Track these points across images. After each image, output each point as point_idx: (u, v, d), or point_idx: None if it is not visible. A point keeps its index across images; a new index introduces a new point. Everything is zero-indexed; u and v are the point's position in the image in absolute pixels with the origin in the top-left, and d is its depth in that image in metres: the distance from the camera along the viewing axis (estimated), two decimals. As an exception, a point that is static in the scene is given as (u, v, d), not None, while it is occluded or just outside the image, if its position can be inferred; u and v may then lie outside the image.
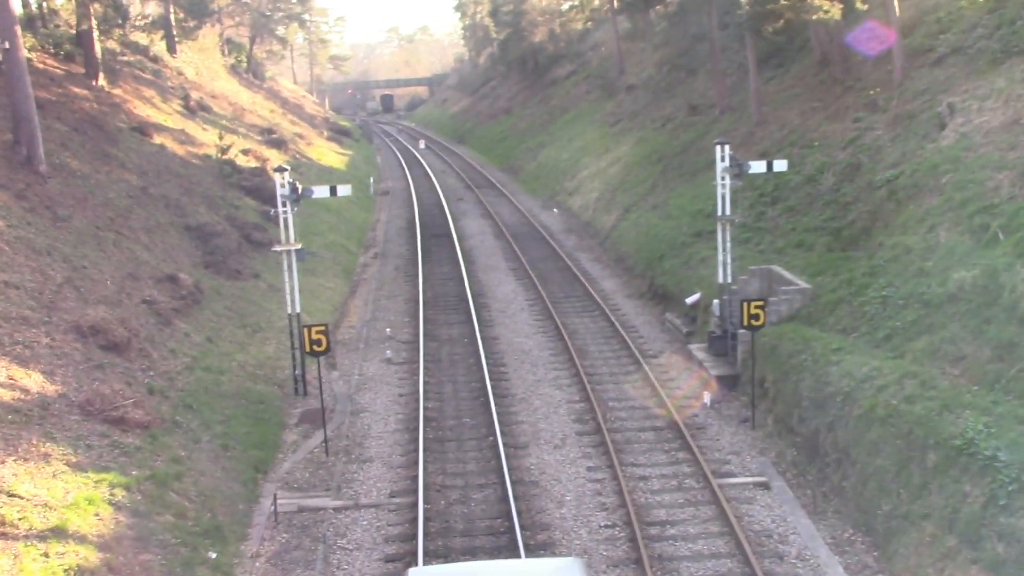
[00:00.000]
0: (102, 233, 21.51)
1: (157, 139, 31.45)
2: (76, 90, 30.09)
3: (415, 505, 14.57)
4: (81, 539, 11.56)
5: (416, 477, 15.57)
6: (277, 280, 23.24)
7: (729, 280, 20.37)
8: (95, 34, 31.96)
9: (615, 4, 57.65)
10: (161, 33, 43.99)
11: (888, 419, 13.70)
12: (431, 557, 13.12)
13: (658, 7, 48.22)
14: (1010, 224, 16.92)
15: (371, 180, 52.54)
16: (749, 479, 15.43)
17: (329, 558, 13.41)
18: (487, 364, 21.35)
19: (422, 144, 78.01)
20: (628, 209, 35.08)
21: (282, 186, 19.47)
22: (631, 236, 32.27)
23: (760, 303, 17.40)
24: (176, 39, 45.66)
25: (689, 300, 23.57)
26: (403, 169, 62.77)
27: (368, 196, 48.41)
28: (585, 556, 13.06)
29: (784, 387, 17.00)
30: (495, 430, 17.45)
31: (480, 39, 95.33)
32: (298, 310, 19.92)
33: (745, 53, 32.46)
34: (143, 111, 33.80)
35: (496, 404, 18.85)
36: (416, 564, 12.49)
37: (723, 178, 19.77)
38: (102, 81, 32.56)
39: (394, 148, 79.48)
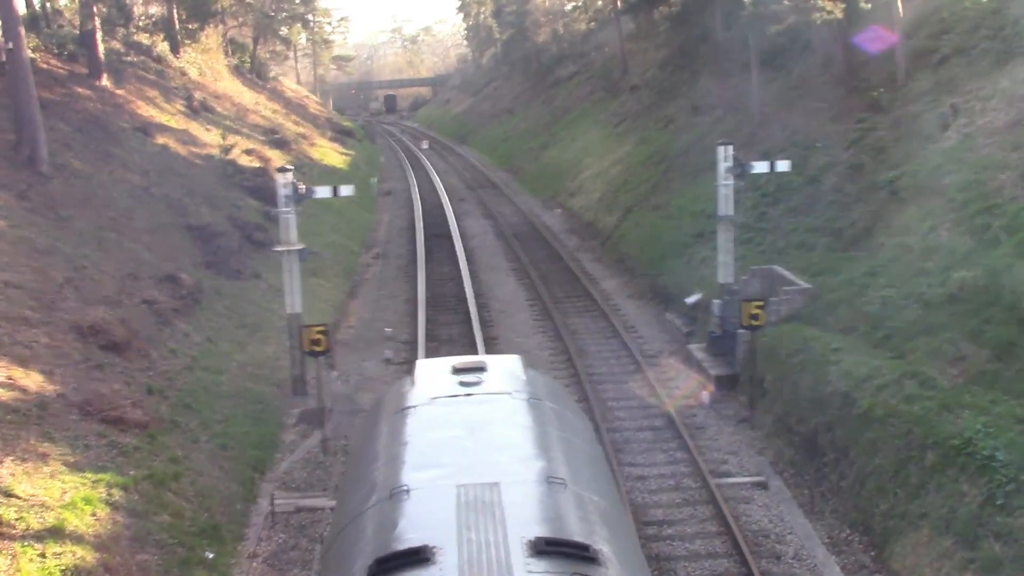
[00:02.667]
0: (104, 233, 21.56)
1: (160, 139, 31.52)
2: (79, 90, 30.18)
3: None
4: (78, 539, 11.57)
5: (414, 477, 15.55)
6: (278, 280, 23.22)
7: (730, 280, 20.34)
8: (99, 34, 32.05)
9: (619, 5, 57.66)
10: (164, 34, 44.08)
11: (887, 419, 13.68)
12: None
13: (661, 8, 48.16)
14: (1012, 225, 16.90)
15: (373, 181, 52.55)
16: (747, 479, 15.40)
17: (326, 558, 13.42)
18: (487, 364, 21.29)
19: (425, 144, 77.99)
20: (630, 209, 35.06)
21: (284, 186, 19.49)
22: (633, 236, 32.26)
23: (760, 303, 17.39)
24: (179, 40, 45.75)
25: (689, 300, 23.54)
26: (405, 170, 62.80)
27: (370, 196, 48.43)
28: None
29: (783, 387, 16.98)
30: (494, 430, 17.41)
31: (483, 39, 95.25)
32: (298, 310, 19.93)
33: (748, 54, 32.43)
34: (146, 111, 33.88)
35: (496, 404, 18.80)
36: None
37: (725, 179, 19.75)
38: (105, 81, 32.64)
39: (397, 148, 79.53)
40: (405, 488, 7.07)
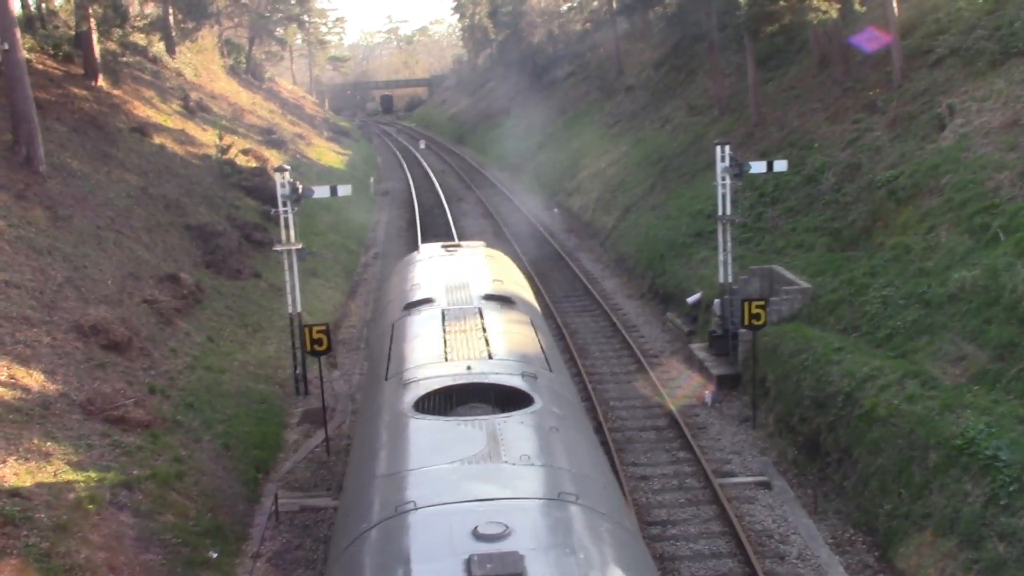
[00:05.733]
0: (103, 233, 21.51)
1: (157, 139, 31.44)
2: (75, 91, 30.08)
3: (416, 505, 14.55)
4: (82, 539, 11.55)
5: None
6: (278, 280, 23.24)
7: (730, 280, 20.39)
8: (94, 35, 31.91)
9: (614, 5, 57.71)
10: (160, 34, 43.94)
11: (889, 419, 13.72)
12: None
13: (657, 8, 48.26)
14: (1010, 224, 16.96)
15: (371, 180, 52.52)
16: (750, 479, 15.43)
17: (330, 558, 13.39)
18: (487, 364, 21.29)
19: (422, 144, 77.93)
20: (628, 209, 35.10)
21: (282, 186, 19.47)
22: (631, 236, 32.29)
23: (761, 303, 17.41)
24: (175, 40, 45.63)
25: (690, 300, 23.58)
26: (403, 169, 62.74)
27: (368, 196, 48.40)
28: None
29: (785, 387, 17.02)
30: (496, 430, 17.42)
31: (479, 40, 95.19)
32: (299, 309, 19.92)
33: (744, 54, 32.48)
34: (143, 111, 33.79)
35: (497, 404, 18.82)
36: None
37: (723, 178, 19.78)
38: (101, 82, 32.52)
39: (394, 148, 79.43)
40: (417, 283, 14.11)
